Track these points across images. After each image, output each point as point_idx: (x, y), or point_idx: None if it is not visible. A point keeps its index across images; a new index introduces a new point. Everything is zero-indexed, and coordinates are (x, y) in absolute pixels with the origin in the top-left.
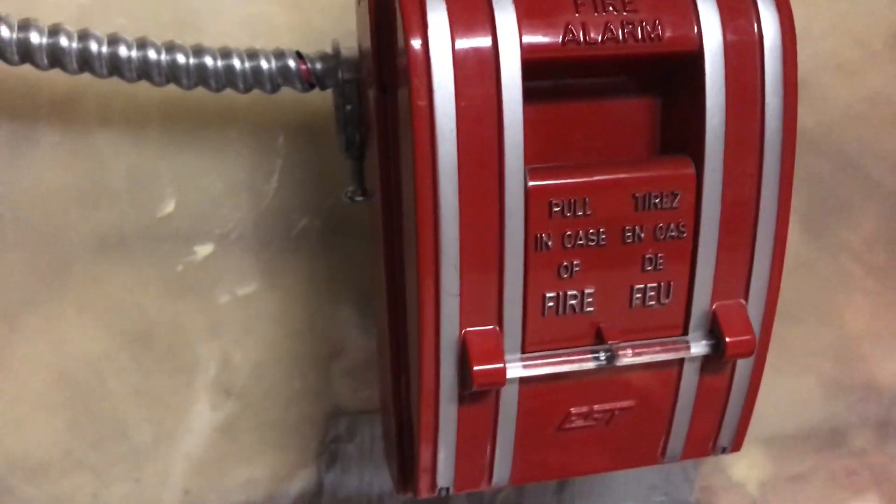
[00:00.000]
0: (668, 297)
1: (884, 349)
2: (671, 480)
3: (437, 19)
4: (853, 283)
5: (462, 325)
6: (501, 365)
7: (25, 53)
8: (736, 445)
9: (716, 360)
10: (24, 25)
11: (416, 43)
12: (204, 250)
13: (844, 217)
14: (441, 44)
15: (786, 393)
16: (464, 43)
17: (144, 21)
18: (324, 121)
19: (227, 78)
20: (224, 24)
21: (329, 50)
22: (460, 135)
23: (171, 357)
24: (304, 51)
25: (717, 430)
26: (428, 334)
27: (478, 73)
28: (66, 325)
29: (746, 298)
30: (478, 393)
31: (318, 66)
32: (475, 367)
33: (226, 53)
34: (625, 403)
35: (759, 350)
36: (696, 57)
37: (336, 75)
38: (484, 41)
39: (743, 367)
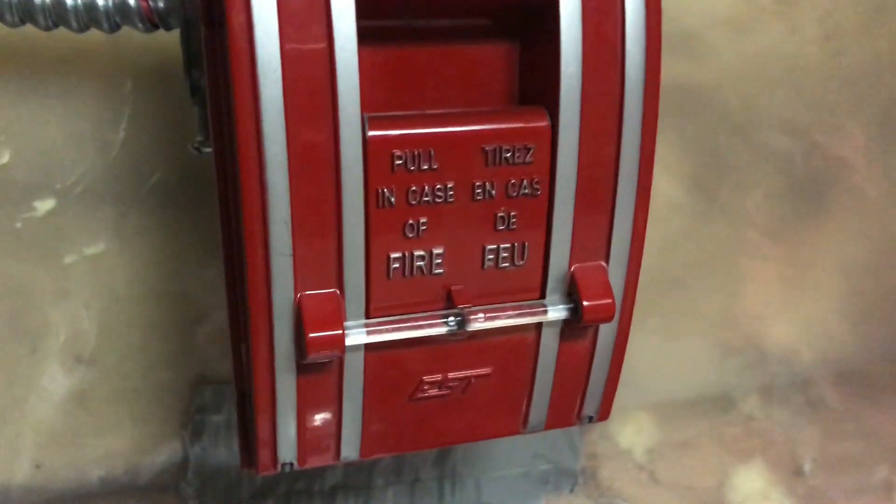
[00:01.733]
0: (522, 258)
1: (772, 314)
2: (556, 448)
3: None
4: (744, 247)
5: (298, 289)
6: (340, 332)
7: None
8: (603, 414)
9: (575, 324)
10: None
11: None
12: (45, 206)
13: (735, 178)
14: None
15: (674, 358)
16: None
17: None
18: (175, 65)
19: (58, 14)
20: None
21: None
22: (286, 78)
23: (14, 321)
24: None
25: (581, 399)
26: (258, 298)
27: (305, 9)
28: None
29: (607, 261)
30: (318, 362)
31: (161, 3)
32: (310, 335)
33: None
34: (481, 371)
35: (622, 315)
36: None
37: (181, 14)
38: None
39: (606, 332)
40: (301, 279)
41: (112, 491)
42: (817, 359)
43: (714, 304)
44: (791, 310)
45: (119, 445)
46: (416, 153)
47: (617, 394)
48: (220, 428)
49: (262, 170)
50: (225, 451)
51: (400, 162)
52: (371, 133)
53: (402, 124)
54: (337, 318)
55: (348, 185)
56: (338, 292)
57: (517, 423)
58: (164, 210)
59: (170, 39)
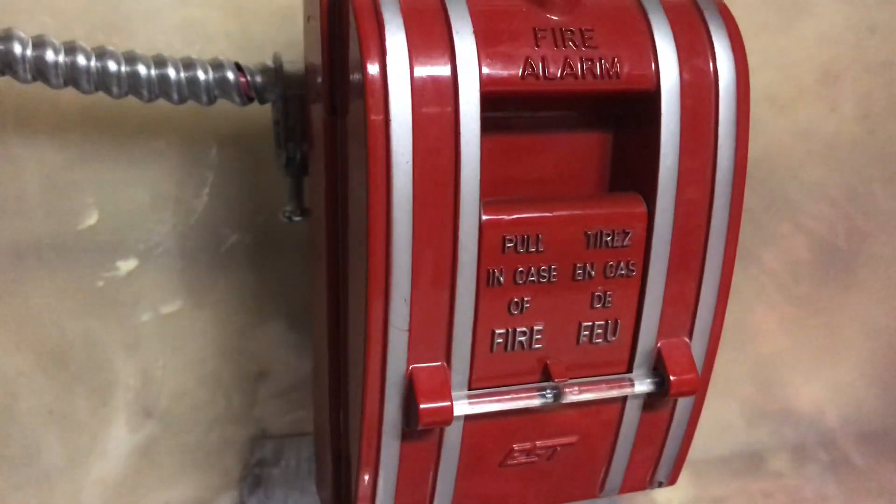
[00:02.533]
0: (614, 334)
1: (801, 378)
2: (597, 501)
3: (396, 44)
4: (775, 310)
5: (409, 361)
6: (449, 403)
7: None
8: (672, 479)
9: (659, 397)
10: None
11: (374, 68)
12: (127, 265)
13: (770, 245)
14: (399, 70)
15: (708, 419)
16: (422, 71)
17: (71, 21)
18: (259, 134)
19: (161, 88)
20: (157, 28)
21: (270, 63)
22: (416, 166)
23: (87, 376)
24: (241, 61)
25: (655, 465)
26: (374, 369)
27: (436, 102)
28: None
29: (690, 336)
30: (422, 430)
31: (259, 79)
32: (422, 406)
33: (160, 62)
34: (567, 440)
35: (700, 393)
36: (653, 95)
37: (277, 90)
38: (443, 70)
39: (683, 403)
40: (413, 352)
41: None
42: (843, 420)
43: (747, 368)
44: (819, 373)
45: (178, 498)
46: (525, 236)
47: None
48: (277, 481)
49: (389, 252)
50: (281, 503)
51: (510, 244)
52: (486, 217)
53: (514, 209)
54: (446, 389)
55: (463, 266)
56: (444, 364)
57: (595, 488)
58: (236, 272)
59: (255, 109)
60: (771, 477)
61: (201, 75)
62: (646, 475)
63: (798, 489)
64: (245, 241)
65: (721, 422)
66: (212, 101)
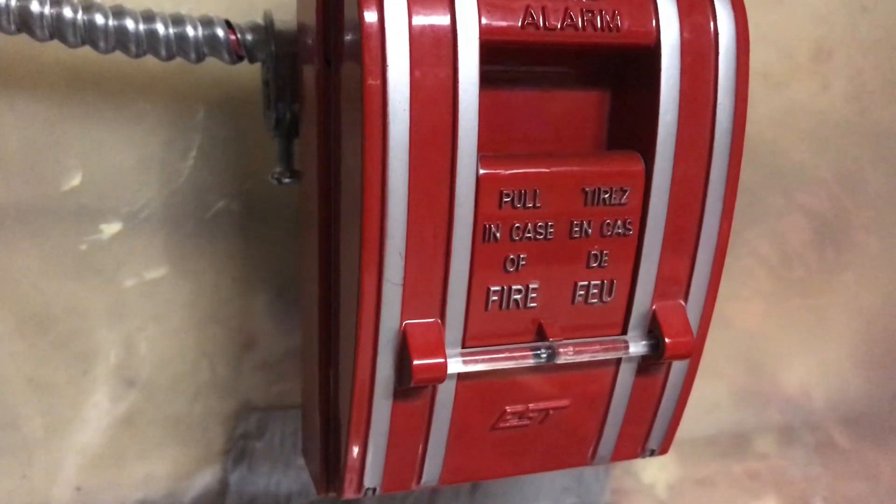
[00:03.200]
0: (610, 295)
1: (788, 359)
2: (583, 482)
3: None
4: (762, 290)
5: (403, 317)
6: (443, 360)
7: None
8: (664, 448)
9: (653, 360)
10: None
11: (371, 17)
12: (111, 229)
13: (758, 225)
14: (397, 19)
15: (695, 399)
16: (421, 20)
17: None
18: (247, 98)
19: (149, 43)
20: None
21: (261, 21)
22: (413, 116)
23: (68, 343)
24: (232, 19)
25: (647, 432)
26: (367, 325)
27: (434, 52)
28: None
29: (686, 300)
30: (414, 389)
31: (249, 37)
32: (415, 362)
33: (148, 17)
34: (560, 403)
35: (694, 357)
36: (652, 51)
37: (268, 48)
38: (442, 19)
39: (677, 369)
40: (407, 308)
41: None
42: (829, 402)
43: (733, 349)
44: (806, 355)
45: (161, 469)
46: (523, 192)
47: None
48: (261, 455)
49: (385, 203)
50: (264, 478)
51: (507, 199)
52: (483, 171)
53: (512, 164)
54: (440, 346)
55: (459, 220)
56: (439, 321)
57: (586, 455)
58: (223, 238)
59: (244, 71)
60: (757, 458)
61: (190, 31)
62: (637, 443)
63: (783, 470)
64: (232, 208)
65: (707, 402)
66: (200, 58)
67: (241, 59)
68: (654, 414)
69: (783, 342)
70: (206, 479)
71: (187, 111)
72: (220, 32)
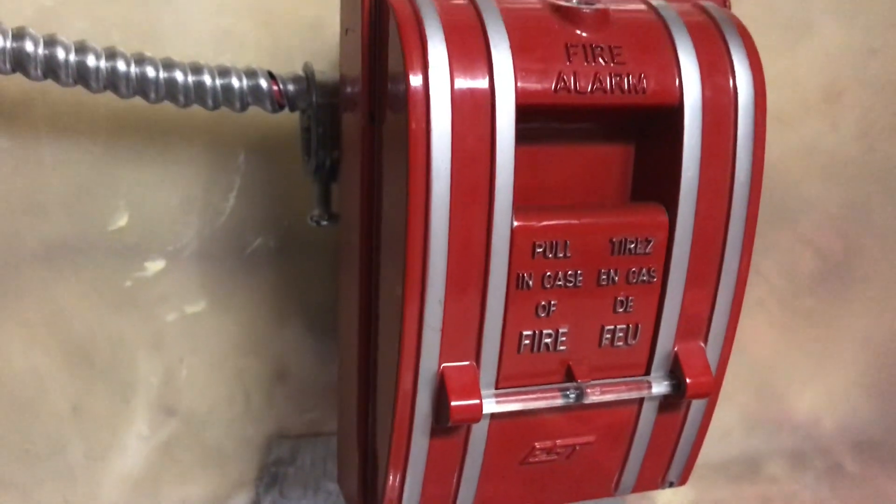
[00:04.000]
0: (635, 338)
1: (799, 385)
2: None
3: (438, 56)
4: (774, 319)
5: (441, 360)
6: (478, 401)
7: None
8: (683, 479)
9: (674, 399)
10: None
11: (417, 80)
12: (155, 266)
13: (770, 257)
14: (440, 82)
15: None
16: (462, 83)
17: (108, 27)
18: (285, 141)
19: (197, 94)
20: (191, 36)
21: (301, 72)
22: (454, 172)
23: (112, 373)
24: (272, 69)
25: (668, 465)
26: (407, 367)
27: (474, 113)
28: (6, 335)
29: (706, 341)
30: (450, 427)
31: (291, 87)
32: (453, 403)
33: (196, 69)
34: (586, 439)
35: (713, 396)
36: (676, 110)
37: (309, 98)
38: (482, 82)
39: (696, 406)
40: (445, 352)
41: None
42: (838, 428)
43: (746, 377)
44: (816, 382)
45: (197, 494)
46: (554, 242)
47: None
48: (292, 480)
49: (426, 255)
50: (295, 502)
51: (540, 250)
52: (517, 223)
53: (543, 216)
54: (475, 388)
55: (495, 269)
56: (474, 364)
57: (610, 487)
58: (260, 274)
59: (283, 117)
60: (768, 482)
61: (235, 83)
62: (658, 475)
63: (794, 494)
64: (269, 245)
65: (720, 428)
66: (244, 107)
67: (282, 108)
68: (675, 448)
69: (794, 370)
70: (239, 503)
71: (229, 154)
72: (264, 83)
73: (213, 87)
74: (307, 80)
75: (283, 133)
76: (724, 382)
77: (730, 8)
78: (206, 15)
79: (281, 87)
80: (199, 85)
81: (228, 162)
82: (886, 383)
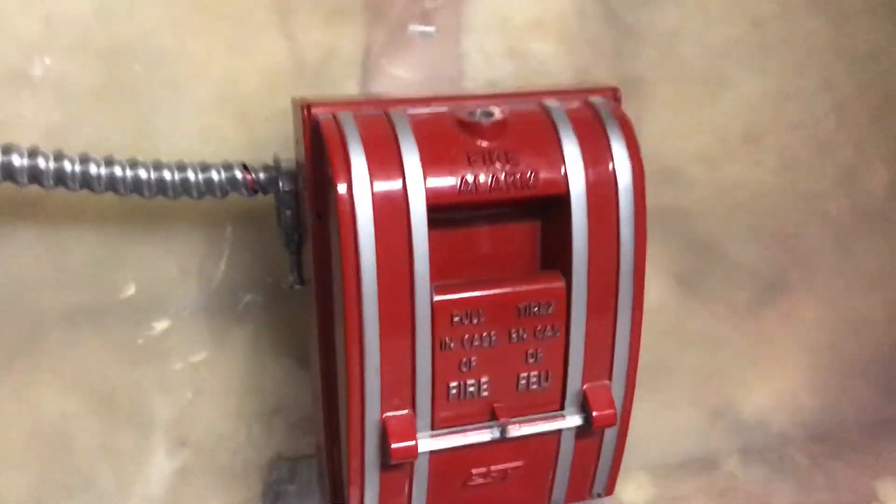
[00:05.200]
0: (546, 381)
1: (749, 388)
2: None
3: (359, 168)
4: (724, 334)
5: (382, 410)
6: (414, 443)
7: (6, 174)
8: (608, 490)
9: (586, 429)
10: (7, 150)
11: (343, 188)
12: (161, 325)
13: (712, 281)
14: (362, 189)
15: (667, 428)
16: (381, 187)
17: (110, 131)
18: (266, 214)
19: (183, 188)
20: (180, 134)
21: (271, 162)
22: (379, 261)
23: (132, 416)
24: (248, 158)
25: (591, 481)
26: (355, 420)
27: (391, 211)
28: (39, 388)
29: (610, 379)
30: (396, 464)
31: (262, 175)
32: (393, 445)
33: (181, 167)
34: (515, 464)
35: (622, 418)
36: (564, 196)
37: (277, 185)
38: (396, 185)
39: (610, 432)
40: (385, 403)
41: None
42: (788, 424)
43: (700, 382)
44: (765, 385)
45: None
46: (468, 312)
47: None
48: (293, 495)
49: (362, 332)
50: None
51: (457, 318)
52: (437, 298)
53: (459, 290)
54: (411, 432)
55: (420, 337)
56: (411, 412)
57: (544, 500)
58: (252, 324)
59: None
60: (725, 477)
61: (215, 176)
62: (585, 489)
63: (750, 486)
64: (258, 300)
65: (678, 431)
66: (224, 195)
67: (256, 193)
68: (595, 467)
69: (744, 378)
70: None
71: (218, 228)
72: (239, 174)
73: (197, 181)
74: (276, 169)
75: (263, 205)
76: (680, 388)
77: (620, 102)
78: (193, 116)
79: (253, 176)
80: (185, 181)
81: (218, 234)
82: (825, 384)
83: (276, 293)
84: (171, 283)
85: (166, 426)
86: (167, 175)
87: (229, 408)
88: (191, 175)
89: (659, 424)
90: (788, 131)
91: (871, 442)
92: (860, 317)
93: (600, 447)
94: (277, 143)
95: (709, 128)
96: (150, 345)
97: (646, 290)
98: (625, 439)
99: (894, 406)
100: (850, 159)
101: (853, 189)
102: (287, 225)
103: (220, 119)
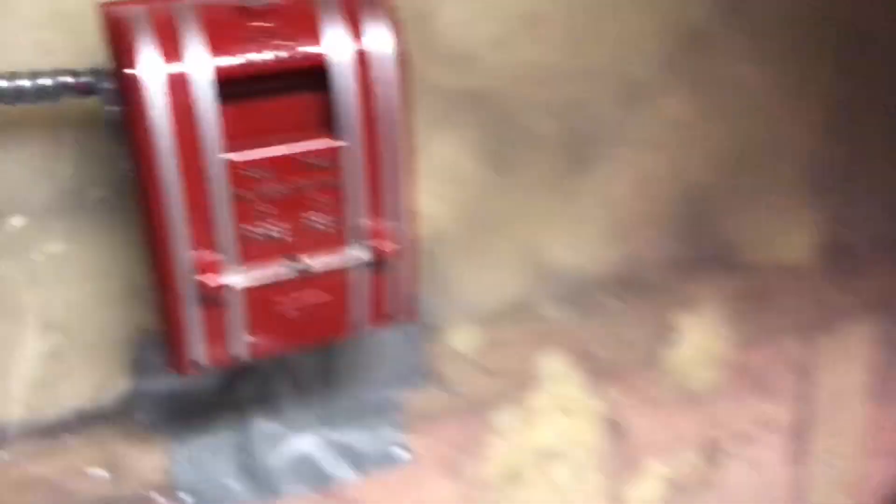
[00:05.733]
0: (334, 224)
1: (559, 242)
2: (407, 353)
3: (147, 53)
4: (532, 198)
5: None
6: (219, 275)
7: None
8: (409, 317)
9: (375, 261)
10: None
11: (131, 71)
12: (18, 222)
13: (517, 151)
14: (151, 70)
15: (490, 281)
16: (168, 67)
17: None
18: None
19: (17, 95)
20: (16, 46)
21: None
22: (175, 133)
23: (1, 305)
24: (80, 66)
25: (390, 309)
26: (169, 262)
27: (181, 86)
28: None
29: (392, 219)
30: (211, 296)
31: (90, 79)
32: (198, 278)
33: (14, 76)
34: (322, 298)
35: (406, 252)
36: (326, 67)
37: (101, 85)
38: (181, 63)
39: (404, 264)
40: (194, 248)
41: (84, 419)
42: (596, 271)
43: (516, 240)
44: (575, 239)
45: (85, 386)
46: (260, 170)
47: (452, 310)
48: (157, 365)
49: (167, 191)
50: (163, 380)
51: (250, 175)
52: (229, 157)
53: (250, 152)
54: (217, 268)
55: (219, 193)
56: (218, 254)
57: (350, 327)
58: (104, 217)
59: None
60: (542, 321)
61: (48, 82)
62: (385, 316)
63: (564, 327)
64: (107, 194)
65: (501, 284)
66: (57, 98)
67: (87, 94)
68: (394, 295)
69: (553, 231)
70: (120, 387)
71: (64, 131)
72: (69, 79)
73: (30, 88)
74: (99, 71)
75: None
76: (499, 246)
77: None
78: (28, 29)
79: (82, 79)
80: (19, 88)
81: (65, 137)
82: (625, 235)
83: (123, 188)
84: (23, 184)
85: (34, 312)
86: (2, 83)
87: (91, 291)
88: (24, 83)
89: (483, 279)
90: (571, 11)
91: (668, 281)
92: (649, 173)
93: (395, 278)
94: (101, 51)
95: (494, 14)
96: (10, 240)
97: (459, 168)
98: (417, 271)
99: (683, 248)
100: (626, 34)
101: (632, 60)
102: (110, 121)
103: (51, 33)
